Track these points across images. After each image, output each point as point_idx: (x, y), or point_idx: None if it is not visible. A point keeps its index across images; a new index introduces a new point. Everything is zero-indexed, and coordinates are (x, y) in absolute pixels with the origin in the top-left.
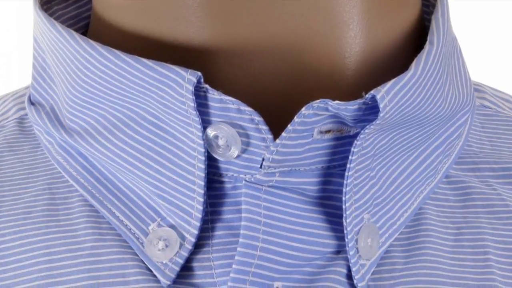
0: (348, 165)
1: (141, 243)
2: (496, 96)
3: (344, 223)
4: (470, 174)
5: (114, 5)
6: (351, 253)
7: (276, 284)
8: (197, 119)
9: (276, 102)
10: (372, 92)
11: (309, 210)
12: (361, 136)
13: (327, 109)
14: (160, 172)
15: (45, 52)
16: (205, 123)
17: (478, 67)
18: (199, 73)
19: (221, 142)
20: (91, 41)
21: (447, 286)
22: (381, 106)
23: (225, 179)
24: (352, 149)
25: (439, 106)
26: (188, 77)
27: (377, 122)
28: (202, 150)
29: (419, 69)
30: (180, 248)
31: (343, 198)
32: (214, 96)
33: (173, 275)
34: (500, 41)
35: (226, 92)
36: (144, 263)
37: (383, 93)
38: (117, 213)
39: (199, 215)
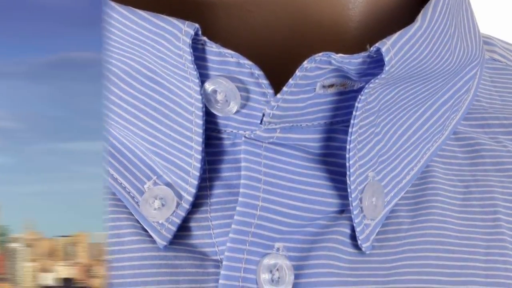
0: (352, 121)
1: (136, 202)
2: (506, 49)
3: (348, 181)
4: (479, 130)
5: None
6: (355, 212)
7: (277, 245)
8: (195, 73)
9: (277, 55)
10: (377, 44)
11: (311, 168)
12: (366, 90)
13: (330, 63)
14: (156, 128)
15: None
16: (203, 77)
17: (487, 19)
18: (197, 25)
19: (219, 97)
20: None
21: (455, 246)
22: (386, 59)
23: (224, 136)
24: (356, 104)
25: (446, 60)
26: (185, 29)
27: (382, 76)
28: (200, 105)
29: (426, 21)
30: (177, 207)
31: (347, 155)
32: (212, 49)
33: (169, 236)
34: None
35: (225, 45)
36: (139, 223)
37: (389, 46)
38: (111, 171)
39: (197, 173)
